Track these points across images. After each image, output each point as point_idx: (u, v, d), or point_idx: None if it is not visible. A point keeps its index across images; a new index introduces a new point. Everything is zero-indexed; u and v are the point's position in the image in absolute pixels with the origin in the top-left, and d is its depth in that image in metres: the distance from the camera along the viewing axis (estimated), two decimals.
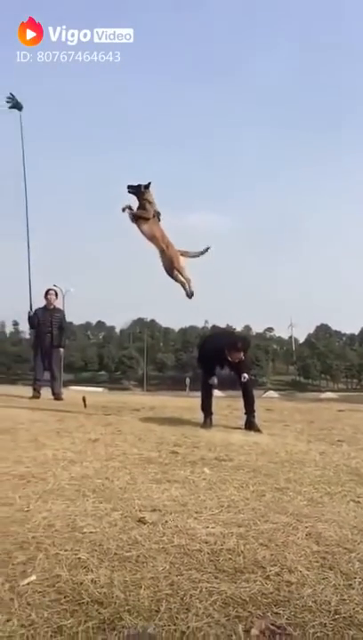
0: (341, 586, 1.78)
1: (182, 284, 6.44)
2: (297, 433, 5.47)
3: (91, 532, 2.21)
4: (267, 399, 19.36)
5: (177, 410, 7.45)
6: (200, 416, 5.98)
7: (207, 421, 5.84)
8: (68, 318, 10.01)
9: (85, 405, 7.24)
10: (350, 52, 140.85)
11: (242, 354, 5.77)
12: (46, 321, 9.14)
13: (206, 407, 5.95)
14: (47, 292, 9.40)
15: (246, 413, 5.87)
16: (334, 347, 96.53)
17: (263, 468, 3.61)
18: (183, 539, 2.16)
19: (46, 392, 9.13)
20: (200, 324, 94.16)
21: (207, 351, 6.28)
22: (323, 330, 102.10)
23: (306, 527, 2.36)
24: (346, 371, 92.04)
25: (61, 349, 9.40)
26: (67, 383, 13.41)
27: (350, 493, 3.00)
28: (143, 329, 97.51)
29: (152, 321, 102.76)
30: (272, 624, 1.52)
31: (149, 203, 6.48)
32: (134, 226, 6.46)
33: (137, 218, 6.43)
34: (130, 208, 6.49)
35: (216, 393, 6.68)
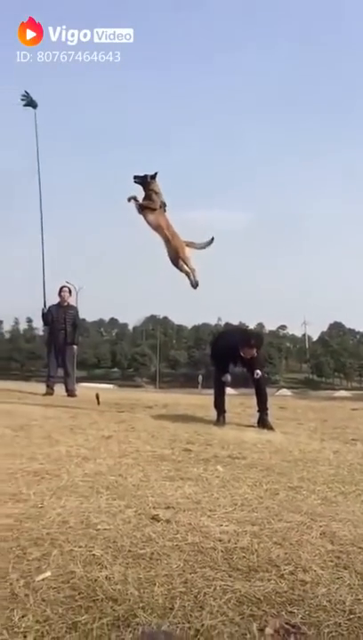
0: (355, 585, 1.77)
1: (187, 274, 6.46)
2: (311, 431, 5.45)
3: (105, 529, 2.21)
4: (280, 397, 19.29)
5: (190, 407, 7.45)
6: (213, 414, 5.97)
7: (220, 419, 5.83)
8: (82, 315, 10.01)
9: (99, 402, 7.26)
10: (352, 42, 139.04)
11: (255, 350, 5.75)
12: (60, 318, 9.17)
13: (219, 405, 5.94)
14: (61, 290, 9.43)
15: (258, 411, 5.86)
16: (347, 345, 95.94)
17: (277, 466, 3.60)
18: (197, 536, 2.16)
19: (60, 389, 9.17)
20: (213, 322, 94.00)
21: (220, 348, 6.27)
22: (337, 328, 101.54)
23: (320, 526, 2.35)
24: (360, 369, 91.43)
25: (75, 346, 9.42)
26: (79, 380, 13.45)
27: None
28: (156, 326, 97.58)
29: (165, 318, 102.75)
30: (287, 623, 1.52)
31: (156, 193, 6.50)
32: (145, 222, 6.49)
33: (143, 208, 6.45)
34: (135, 199, 6.52)
35: (229, 391, 6.67)
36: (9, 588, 1.68)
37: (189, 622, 1.51)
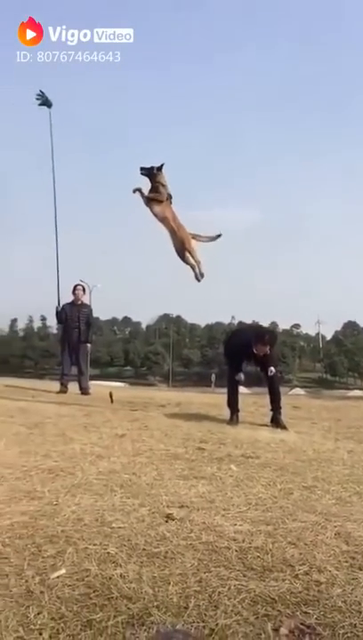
0: None
1: (192, 267, 6.47)
2: (324, 431, 5.42)
3: (119, 527, 2.22)
4: (293, 396, 19.22)
5: (203, 406, 7.44)
6: (226, 412, 5.96)
7: (234, 418, 5.81)
8: (95, 314, 10.03)
9: (112, 401, 7.28)
10: (352, 42, 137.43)
11: (268, 347, 5.72)
12: (74, 316, 9.21)
13: (233, 404, 5.93)
14: (75, 288, 9.46)
15: (272, 410, 5.84)
16: (362, 344, 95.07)
17: (291, 465, 3.58)
18: (211, 536, 2.16)
19: (73, 387, 9.21)
20: (226, 321, 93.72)
21: (234, 345, 6.26)
22: (351, 327, 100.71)
23: (335, 526, 2.34)
24: None
25: (89, 345, 9.45)
26: (93, 378, 13.51)
27: None
28: (169, 325, 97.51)
29: (178, 317, 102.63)
30: (302, 623, 1.52)
31: (163, 185, 6.52)
32: (155, 219, 6.53)
33: (150, 200, 6.47)
34: (140, 190, 6.54)
35: (242, 389, 6.65)
36: (24, 585, 1.69)
37: (203, 621, 1.52)
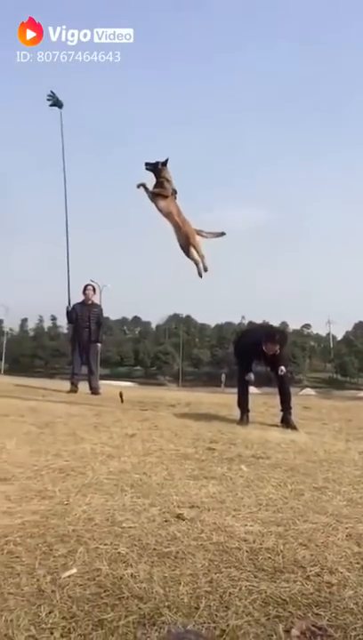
0: None
1: (196, 263, 6.49)
2: (335, 432, 5.40)
3: (130, 527, 2.22)
4: (304, 396, 19.17)
5: (213, 406, 7.44)
6: (236, 413, 5.95)
7: (244, 418, 5.80)
8: (105, 313, 10.07)
9: (122, 400, 7.30)
10: (352, 41, 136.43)
11: (278, 347, 5.70)
12: (84, 316, 9.25)
13: (243, 404, 5.92)
14: (85, 288, 9.50)
15: (282, 410, 5.82)
16: None
17: (301, 466, 3.57)
18: (222, 536, 2.16)
19: (83, 386, 9.24)
20: (236, 321, 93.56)
21: (244, 345, 6.25)
22: (361, 327, 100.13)
23: (346, 528, 2.32)
24: None
25: (99, 344, 9.49)
26: (103, 378, 13.55)
27: None
28: (179, 325, 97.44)
29: (188, 317, 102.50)
30: (313, 625, 1.51)
31: (167, 180, 6.54)
32: (160, 214, 6.56)
33: (155, 195, 6.48)
34: (144, 185, 6.56)
35: (252, 390, 6.64)
36: (36, 584, 1.70)
37: (214, 622, 1.51)
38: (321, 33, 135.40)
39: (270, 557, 1.96)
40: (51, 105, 8.78)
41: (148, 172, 6.67)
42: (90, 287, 9.59)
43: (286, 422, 5.66)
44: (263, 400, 7.97)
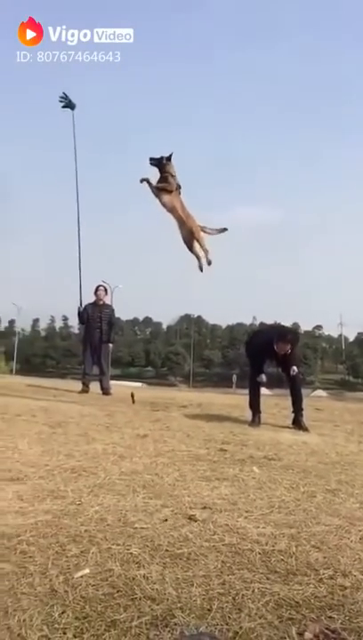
0: None
1: (199, 258, 6.51)
2: (347, 434, 5.37)
3: (142, 528, 2.22)
4: (316, 398, 19.08)
5: (224, 407, 7.43)
6: (248, 414, 5.94)
7: (256, 419, 5.79)
8: (117, 314, 10.09)
9: (134, 401, 7.31)
10: (352, 41, 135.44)
11: (290, 346, 5.68)
12: (95, 316, 9.27)
13: (255, 405, 5.90)
14: (97, 289, 9.54)
15: (293, 412, 5.80)
16: None
17: (313, 468, 3.56)
18: (234, 538, 2.15)
19: (95, 386, 9.27)
20: (248, 321, 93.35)
21: (256, 345, 6.24)
22: None
23: (359, 530, 2.31)
24: None
25: (110, 345, 9.51)
26: (114, 378, 13.59)
27: None
28: (190, 325, 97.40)
29: (199, 317, 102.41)
30: (326, 628, 1.50)
31: (172, 175, 6.56)
32: (164, 209, 6.58)
33: (159, 190, 6.49)
34: (148, 181, 6.57)
35: (264, 391, 6.62)
36: (49, 584, 1.70)
37: (227, 624, 1.51)
38: (322, 33, 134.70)
39: (282, 560, 1.95)
40: (63, 107, 8.78)
41: (152, 167, 6.70)
42: (101, 288, 9.62)
43: (298, 424, 5.65)
44: (275, 401, 7.95)
